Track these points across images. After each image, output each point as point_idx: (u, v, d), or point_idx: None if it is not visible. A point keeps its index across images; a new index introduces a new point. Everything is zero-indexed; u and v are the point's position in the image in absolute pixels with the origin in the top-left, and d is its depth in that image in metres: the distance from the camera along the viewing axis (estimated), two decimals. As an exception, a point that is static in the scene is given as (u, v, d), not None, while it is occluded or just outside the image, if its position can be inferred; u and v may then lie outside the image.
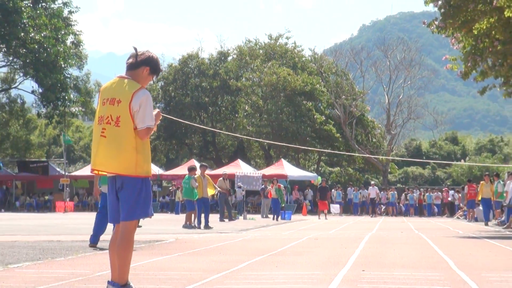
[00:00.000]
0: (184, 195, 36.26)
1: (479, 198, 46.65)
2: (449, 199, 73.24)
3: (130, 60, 9.90)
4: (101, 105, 9.60)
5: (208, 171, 40.10)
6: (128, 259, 9.58)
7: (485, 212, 45.18)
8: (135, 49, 9.96)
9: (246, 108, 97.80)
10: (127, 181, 9.50)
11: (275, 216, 50.41)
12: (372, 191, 75.10)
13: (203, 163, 44.73)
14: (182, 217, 39.16)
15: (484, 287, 11.68)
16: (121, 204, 9.55)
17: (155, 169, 79.87)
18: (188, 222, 34.97)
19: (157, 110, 9.92)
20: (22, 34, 79.97)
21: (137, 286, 9.91)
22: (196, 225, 34.75)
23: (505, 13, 28.20)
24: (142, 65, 9.82)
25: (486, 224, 43.20)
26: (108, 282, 9.63)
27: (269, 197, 52.56)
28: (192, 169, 36.59)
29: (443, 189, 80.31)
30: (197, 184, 35.22)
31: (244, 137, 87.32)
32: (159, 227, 34.66)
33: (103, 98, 9.62)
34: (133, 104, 9.35)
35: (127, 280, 9.61)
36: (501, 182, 45.98)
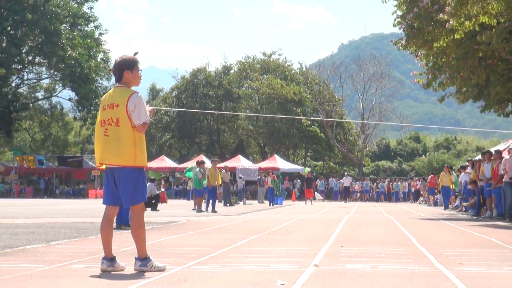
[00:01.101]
0: (194, 185, 36.28)
1: (440, 187, 46.70)
2: (418, 187, 73.34)
3: (115, 73, 10.04)
4: (102, 111, 9.72)
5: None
6: (142, 236, 9.67)
7: (444, 198, 45.21)
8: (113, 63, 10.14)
9: (247, 111, 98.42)
10: (125, 172, 9.56)
11: (271, 202, 50.35)
12: (346, 181, 76.30)
13: (214, 158, 44.75)
14: (192, 202, 39.14)
15: (440, 260, 11.65)
16: (122, 193, 9.58)
17: (170, 163, 79.96)
18: (197, 207, 34.96)
19: (150, 108, 10.03)
20: (61, 52, 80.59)
21: (156, 259, 9.90)
22: (204, 210, 34.74)
23: (456, 35, 28.22)
24: (121, 71, 9.88)
25: (446, 208, 43.20)
26: (136, 258, 9.72)
27: (266, 186, 52.57)
28: (201, 163, 36.62)
29: (415, 179, 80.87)
30: (201, 175, 35.36)
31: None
32: (173, 211, 34.61)
33: (104, 105, 9.73)
34: (129, 106, 9.45)
35: (146, 253, 9.66)
36: (454, 174, 46.18)
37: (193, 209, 35.33)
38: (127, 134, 9.48)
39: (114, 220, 11.37)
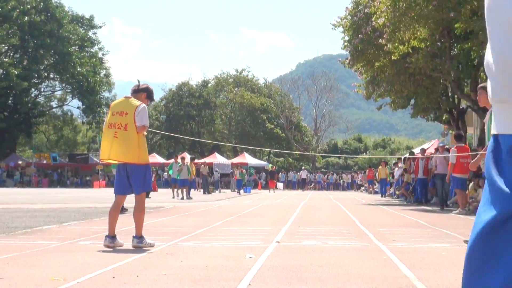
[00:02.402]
0: (176, 177, 36.26)
1: (378, 178, 46.93)
2: (360, 179, 73.86)
3: (134, 87, 10.37)
4: (111, 115, 9.83)
5: (195, 160, 40.30)
6: (142, 218, 9.84)
7: (381, 187, 45.43)
8: (138, 81, 10.50)
9: (223, 117, 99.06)
10: (137, 169, 9.78)
11: (238, 190, 50.39)
12: (303, 173, 77.42)
13: (193, 156, 44.63)
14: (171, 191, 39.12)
15: (378, 237, 11.69)
16: (133, 183, 9.80)
17: (160, 159, 79.87)
18: (182, 194, 34.94)
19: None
20: (72, 69, 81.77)
21: (148, 237, 9.94)
22: (184, 197, 34.74)
23: (393, 56, 28.34)
24: (141, 91, 10.26)
25: (382, 196, 43.39)
26: (133, 237, 9.85)
27: (235, 178, 52.68)
28: (182, 159, 36.79)
29: (357, 172, 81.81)
30: (178, 168, 35.56)
31: (213, 142, 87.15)
32: (162, 198, 34.49)
33: (113, 111, 9.84)
34: (136, 113, 9.64)
35: (141, 233, 9.79)
36: (389, 168, 46.63)
37: (173, 198, 35.13)
38: (132, 137, 9.65)
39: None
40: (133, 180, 9.80)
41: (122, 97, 10.23)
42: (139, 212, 9.84)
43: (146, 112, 9.84)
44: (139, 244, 9.69)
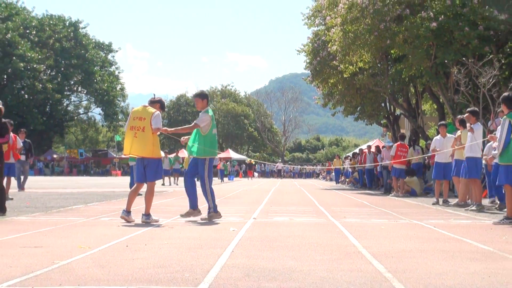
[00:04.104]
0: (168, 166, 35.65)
1: (333, 169, 47.06)
2: (319, 169, 74.01)
3: (152, 99, 10.42)
4: (132, 119, 9.86)
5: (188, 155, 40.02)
6: (151, 200, 9.98)
7: (335, 176, 45.55)
8: (154, 95, 10.63)
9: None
10: (151, 162, 9.91)
11: (221, 179, 49.86)
12: (279, 165, 77.47)
13: (166, 150, 44.11)
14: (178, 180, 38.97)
15: (332, 215, 11.71)
16: (148, 173, 9.90)
17: (163, 154, 79.61)
18: (163, 181, 34.29)
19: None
20: (95, 85, 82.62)
21: (153, 214, 9.93)
22: (165, 183, 34.16)
23: (344, 75, 28.41)
24: (157, 102, 10.28)
25: (337, 183, 43.45)
26: (142, 215, 9.90)
27: (218, 168, 52.22)
28: (164, 152, 36.10)
29: (317, 164, 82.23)
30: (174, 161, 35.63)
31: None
32: (165, 184, 34.41)
33: (134, 116, 9.86)
34: (152, 118, 9.73)
35: (149, 212, 9.85)
36: (341, 160, 46.73)
37: (162, 184, 33.58)
38: (148, 137, 9.74)
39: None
40: (148, 171, 9.89)
41: (140, 105, 10.21)
42: (149, 195, 9.93)
43: (160, 117, 9.90)
44: (147, 220, 9.73)
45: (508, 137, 9.91)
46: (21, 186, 21.14)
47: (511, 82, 19.68)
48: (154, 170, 9.95)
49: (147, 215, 9.81)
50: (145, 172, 9.93)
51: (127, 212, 9.82)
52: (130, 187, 18.90)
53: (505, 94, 10.30)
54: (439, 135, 15.66)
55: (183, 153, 44.05)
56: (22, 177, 21.33)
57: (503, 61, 21.94)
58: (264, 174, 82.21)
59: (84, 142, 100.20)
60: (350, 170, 38.56)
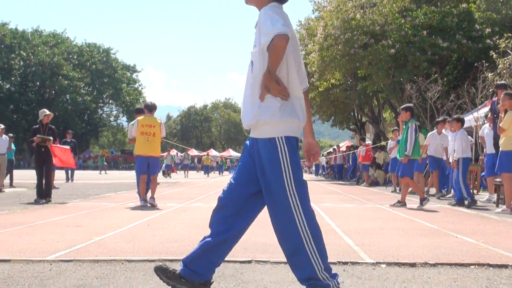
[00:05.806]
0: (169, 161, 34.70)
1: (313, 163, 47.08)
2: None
3: (138, 107, 11.15)
4: (141, 126, 10.05)
5: (197, 153, 39.65)
6: (155, 187, 10.27)
7: (315, 170, 45.47)
8: (150, 102, 10.51)
9: (217, 127, 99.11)
10: (155, 159, 10.26)
11: (220, 172, 48.58)
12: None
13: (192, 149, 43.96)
14: (191, 173, 38.81)
15: (312, 200, 11.69)
16: (151, 168, 10.23)
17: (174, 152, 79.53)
18: (166, 175, 33.06)
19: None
20: (122, 98, 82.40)
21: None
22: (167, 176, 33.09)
23: (320, 89, 28.40)
24: (144, 108, 10.46)
25: (316, 175, 43.35)
26: (149, 198, 10.10)
27: (214, 164, 51.58)
28: (167, 150, 35.47)
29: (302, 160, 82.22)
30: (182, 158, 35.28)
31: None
32: (178, 177, 34.30)
33: (142, 123, 10.09)
34: (161, 127, 10.19)
35: (154, 195, 10.12)
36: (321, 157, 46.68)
37: (169, 177, 32.28)
38: (158, 141, 10.14)
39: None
40: (152, 166, 10.19)
41: (143, 115, 10.33)
42: (154, 183, 10.25)
43: (163, 127, 10.33)
44: (153, 202, 9.93)
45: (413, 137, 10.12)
46: (69, 178, 21.35)
47: (451, 95, 19.85)
48: (157, 165, 10.36)
49: (153, 198, 10.04)
50: (149, 167, 10.17)
51: (144, 200, 10.00)
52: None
53: (408, 104, 10.79)
54: (435, 131, 13.75)
55: (193, 152, 43.97)
56: (69, 171, 21.50)
57: (445, 79, 22.62)
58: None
59: (114, 143, 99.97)
60: (326, 165, 38.63)
